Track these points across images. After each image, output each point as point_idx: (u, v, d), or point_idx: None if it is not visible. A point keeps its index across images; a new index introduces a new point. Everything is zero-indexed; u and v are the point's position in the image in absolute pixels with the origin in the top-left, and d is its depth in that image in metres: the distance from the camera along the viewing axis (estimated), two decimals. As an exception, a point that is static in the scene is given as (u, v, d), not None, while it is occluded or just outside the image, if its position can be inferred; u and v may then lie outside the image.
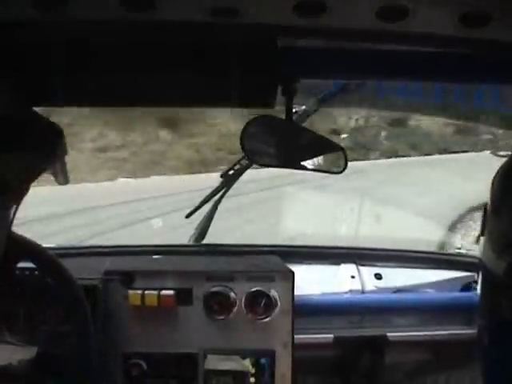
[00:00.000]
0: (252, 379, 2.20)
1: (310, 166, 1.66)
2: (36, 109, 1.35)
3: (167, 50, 1.32)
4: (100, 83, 1.33)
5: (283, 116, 1.51)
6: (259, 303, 2.21)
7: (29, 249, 1.89)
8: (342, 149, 1.72)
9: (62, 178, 1.48)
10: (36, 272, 2.05)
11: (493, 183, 1.37)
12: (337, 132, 10.81)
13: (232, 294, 2.21)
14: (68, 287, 1.92)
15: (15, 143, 1.27)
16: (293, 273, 2.24)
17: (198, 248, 2.78)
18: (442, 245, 7.12)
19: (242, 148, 1.57)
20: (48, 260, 1.91)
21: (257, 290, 2.21)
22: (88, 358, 1.95)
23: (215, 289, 2.21)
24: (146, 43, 1.32)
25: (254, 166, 2.49)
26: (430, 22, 1.24)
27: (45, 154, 1.35)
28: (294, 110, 1.55)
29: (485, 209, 1.38)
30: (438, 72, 1.50)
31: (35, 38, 1.27)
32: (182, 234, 2.96)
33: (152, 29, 1.27)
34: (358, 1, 1.18)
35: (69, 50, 1.29)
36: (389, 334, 2.40)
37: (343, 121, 11.93)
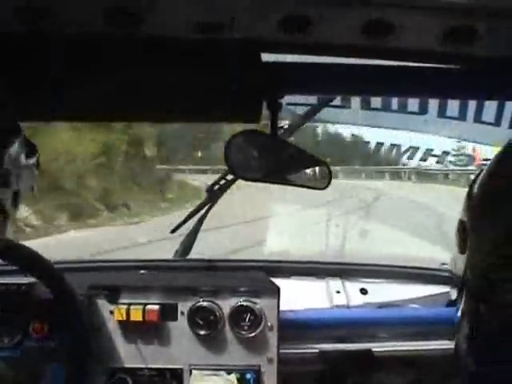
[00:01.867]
0: (237, 394, 2.19)
1: (293, 181, 1.67)
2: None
3: (150, 66, 1.32)
4: (85, 98, 1.33)
5: (268, 131, 1.51)
6: (244, 318, 2.20)
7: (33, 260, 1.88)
8: (326, 164, 1.73)
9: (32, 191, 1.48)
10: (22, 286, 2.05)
11: (469, 198, 1.35)
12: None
13: (217, 310, 2.20)
14: (70, 301, 1.91)
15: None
16: (278, 288, 2.24)
17: (184, 263, 2.78)
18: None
19: (226, 162, 1.58)
20: (52, 273, 1.91)
21: (242, 305, 2.20)
22: (77, 372, 1.94)
23: (200, 304, 2.21)
24: (131, 59, 1.32)
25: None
26: (416, 38, 1.25)
27: (30, 171, 1.35)
28: (279, 125, 1.56)
29: (461, 225, 1.36)
30: (426, 88, 1.51)
31: (20, 53, 1.26)
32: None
33: (136, 44, 1.27)
34: (343, 16, 1.18)
35: (55, 64, 1.29)
36: (374, 349, 2.40)
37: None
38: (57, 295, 1.94)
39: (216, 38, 1.26)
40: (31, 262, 1.86)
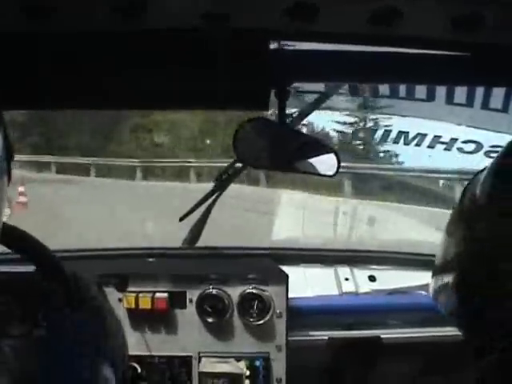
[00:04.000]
0: (247, 381, 2.20)
1: (302, 169, 1.66)
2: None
3: (161, 54, 1.32)
4: (91, 86, 1.33)
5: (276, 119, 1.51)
6: (253, 306, 2.21)
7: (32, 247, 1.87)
8: (334, 151, 1.73)
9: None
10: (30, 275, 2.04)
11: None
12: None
13: (226, 297, 2.21)
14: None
15: None
16: (287, 275, 2.25)
17: (192, 251, 2.78)
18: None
19: (235, 151, 1.58)
20: (51, 262, 1.90)
21: (250, 293, 2.21)
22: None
23: (209, 292, 2.22)
24: (139, 47, 1.32)
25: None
26: (424, 25, 1.25)
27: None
28: (287, 113, 1.56)
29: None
30: (434, 75, 1.50)
31: (21, 47, 1.27)
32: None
33: (144, 33, 1.27)
34: (350, 4, 1.18)
35: (55, 56, 1.29)
36: (383, 336, 2.41)
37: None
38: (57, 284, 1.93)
39: (224, 27, 1.26)
40: (32, 249, 1.86)
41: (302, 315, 2.37)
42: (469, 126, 3.29)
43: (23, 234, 1.78)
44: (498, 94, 2.91)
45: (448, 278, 1.26)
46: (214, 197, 2.72)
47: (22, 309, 2.03)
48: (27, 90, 1.31)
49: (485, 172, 1.14)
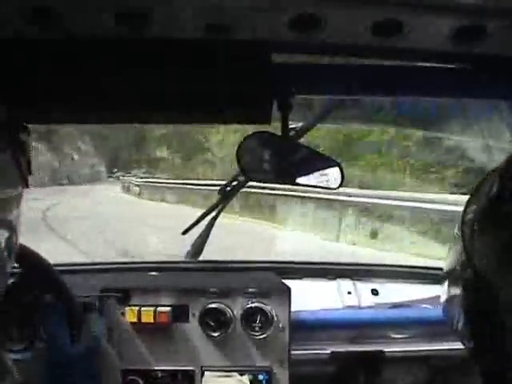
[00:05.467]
0: (250, 395, 2.19)
1: (306, 182, 1.66)
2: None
3: (159, 67, 1.32)
4: (92, 100, 1.33)
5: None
6: (256, 320, 2.20)
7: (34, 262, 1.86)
8: (338, 164, 1.72)
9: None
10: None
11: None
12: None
13: (228, 311, 2.21)
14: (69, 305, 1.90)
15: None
16: (289, 289, 2.24)
17: (195, 264, 2.78)
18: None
19: (239, 164, 1.58)
20: (50, 276, 1.89)
21: (253, 307, 2.21)
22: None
23: (211, 305, 2.21)
24: (139, 60, 1.31)
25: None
26: (426, 37, 1.25)
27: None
28: (291, 127, 1.56)
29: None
30: (435, 88, 1.50)
31: (29, 55, 1.26)
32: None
33: (144, 46, 1.27)
34: (352, 16, 1.18)
35: (61, 66, 1.28)
36: (386, 350, 2.40)
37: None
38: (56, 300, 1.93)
39: (225, 39, 1.26)
40: (31, 262, 1.85)
41: (304, 329, 2.36)
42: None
43: (29, 252, 1.78)
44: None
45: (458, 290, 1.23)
46: (217, 210, 2.72)
47: (23, 321, 2.03)
48: (28, 91, 1.30)
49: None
